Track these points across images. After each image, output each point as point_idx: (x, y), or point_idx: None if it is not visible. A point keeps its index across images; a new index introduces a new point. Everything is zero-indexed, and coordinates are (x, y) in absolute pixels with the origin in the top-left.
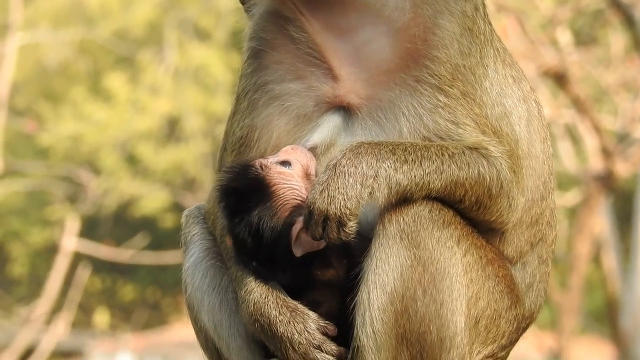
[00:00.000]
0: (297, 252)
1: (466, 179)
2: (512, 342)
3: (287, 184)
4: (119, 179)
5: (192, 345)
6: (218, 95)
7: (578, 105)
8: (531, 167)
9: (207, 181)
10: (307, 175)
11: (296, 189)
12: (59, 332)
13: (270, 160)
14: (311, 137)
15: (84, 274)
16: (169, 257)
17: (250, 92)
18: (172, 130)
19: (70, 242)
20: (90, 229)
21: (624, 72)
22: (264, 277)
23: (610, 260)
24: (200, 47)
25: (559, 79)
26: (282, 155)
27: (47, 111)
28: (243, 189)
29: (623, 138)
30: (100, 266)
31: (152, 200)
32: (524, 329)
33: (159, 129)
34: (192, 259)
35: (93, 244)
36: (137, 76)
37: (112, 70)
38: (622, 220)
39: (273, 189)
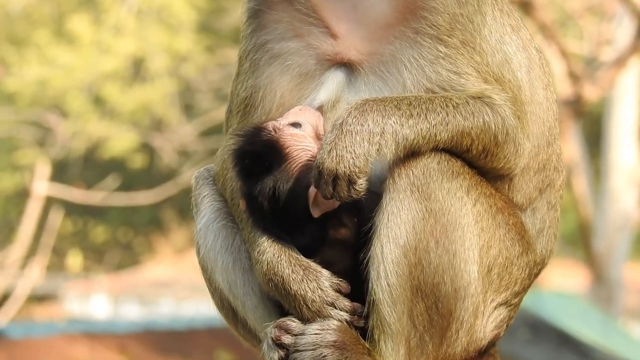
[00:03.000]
0: (315, 213)
1: (472, 128)
2: (525, 289)
3: (300, 145)
4: (87, 121)
5: (166, 284)
6: (182, 34)
7: (544, 31)
8: (535, 114)
9: (174, 120)
10: (317, 136)
11: (309, 150)
12: (34, 277)
13: (282, 123)
14: (317, 96)
15: (56, 217)
16: (139, 198)
17: (251, 53)
18: (137, 71)
19: (41, 186)
20: (60, 172)
21: None
22: (279, 238)
23: (582, 184)
24: None
25: (524, 5)
26: (292, 117)
27: (12, 56)
28: (257, 152)
29: (590, 62)
30: (72, 209)
31: (121, 141)
32: (536, 275)
33: (125, 70)
34: (203, 220)
35: (64, 187)
36: (101, 17)
37: (76, 13)
38: (591, 143)
39: (287, 151)
